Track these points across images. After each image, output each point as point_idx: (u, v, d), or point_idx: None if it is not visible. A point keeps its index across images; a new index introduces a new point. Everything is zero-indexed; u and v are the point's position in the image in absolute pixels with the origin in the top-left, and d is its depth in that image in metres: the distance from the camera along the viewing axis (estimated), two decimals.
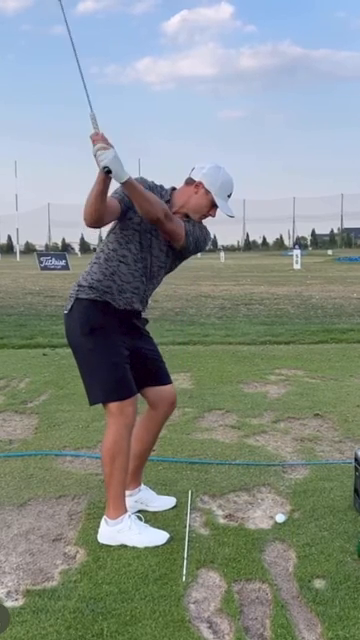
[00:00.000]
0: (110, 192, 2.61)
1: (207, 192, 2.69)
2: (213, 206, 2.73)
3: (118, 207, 2.61)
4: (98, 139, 2.43)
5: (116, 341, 2.68)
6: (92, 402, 2.71)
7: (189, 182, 2.73)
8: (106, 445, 2.68)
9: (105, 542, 2.67)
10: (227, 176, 2.73)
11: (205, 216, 2.77)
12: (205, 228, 2.81)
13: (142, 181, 2.66)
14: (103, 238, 2.85)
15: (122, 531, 2.66)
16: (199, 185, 2.70)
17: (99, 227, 2.62)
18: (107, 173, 2.39)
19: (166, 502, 3.04)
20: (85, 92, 2.50)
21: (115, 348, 2.67)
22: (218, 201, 2.71)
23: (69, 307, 2.70)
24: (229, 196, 2.77)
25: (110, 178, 2.42)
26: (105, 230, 2.80)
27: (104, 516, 2.73)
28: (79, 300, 2.67)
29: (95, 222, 2.54)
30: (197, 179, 2.70)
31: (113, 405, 2.64)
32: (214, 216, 2.78)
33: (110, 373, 2.64)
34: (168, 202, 2.70)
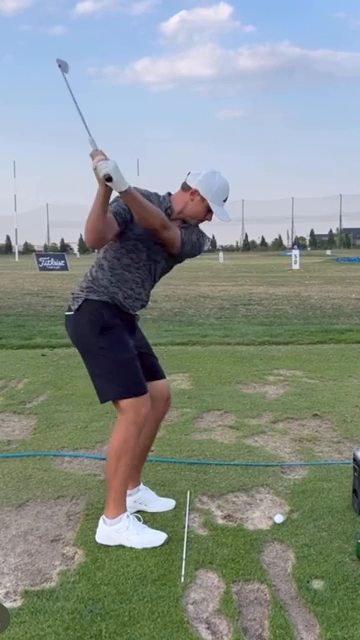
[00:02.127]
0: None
1: (203, 199, 2.70)
2: (209, 211, 2.75)
3: (114, 221, 2.62)
4: (97, 154, 2.48)
5: (126, 339, 2.73)
6: (104, 399, 2.72)
7: (185, 188, 2.73)
8: (114, 443, 2.68)
9: (103, 542, 2.67)
10: (223, 181, 2.73)
11: (202, 220, 2.79)
12: (202, 233, 2.82)
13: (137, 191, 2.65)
14: None
15: (120, 531, 2.66)
16: (195, 192, 2.70)
17: (102, 246, 2.66)
18: (108, 180, 2.41)
19: (165, 504, 3.04)
20: (82, 120, 2.58)
21: (126, 346, 2.71)
22: (214, 207, 2.72)
23: (76, 307, 2.70)
24: (225, 200, 2.78)
25: (111, 190, 2.45)
26: None
27: (102, 516, 2.73)
28: (89, 301, 2.68)
29: (98, 240, 2.57)
30: (193, 186, 2.70)
31: (126, 402, 2.65)
32: (210, 220, 2.80)
33: (124, 370, 2.66)
34: (168, 209, 2.71)
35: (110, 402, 2.76)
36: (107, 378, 2.68)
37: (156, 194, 2.75)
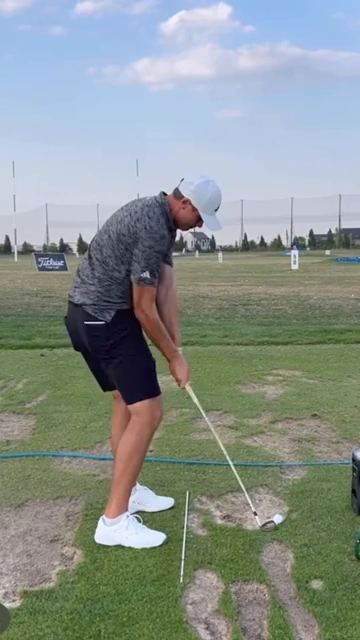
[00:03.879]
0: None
1: (194, 209, 2.70)
2: (200, 219, 2.75)
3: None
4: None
5: (146, 343, 2.82)
6: (133, 401, 2.74)
7: (178, 196, 2.71)
8: (127, 443, 2.70)
9: (102, 542, 2.68)
10: (215, 191, 2.71)
11: (192, 227, 2.82)
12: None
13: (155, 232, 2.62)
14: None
15: (119, 530, 2.67)
16: (186, 202, 2.69)
17: None
18: None
19: (164, 503, 3.05)
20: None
21: (148, 349, 2.80)
22: (204, 217, 2.72)
23: (109, 318, 2.68)
24: (216, 209, 2.78)
25: None
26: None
27: (102, 516, 2.73)
28: (122, 311, 2.71)
29: None
30: (185, 195, 2.69)
31: (143, 404, 2.70)
32: (201, 227, 2.81)
33: (149, 373, 2.76)
34: (173, 231, 2.75)
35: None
36: (135, 381, 2.74)
37: (157, 202, 2.68)
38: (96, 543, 2.68)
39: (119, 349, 2.71)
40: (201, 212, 2.70)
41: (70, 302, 2.79)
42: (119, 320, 2.70)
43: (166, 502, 3.06)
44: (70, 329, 2.84)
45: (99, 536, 2.70)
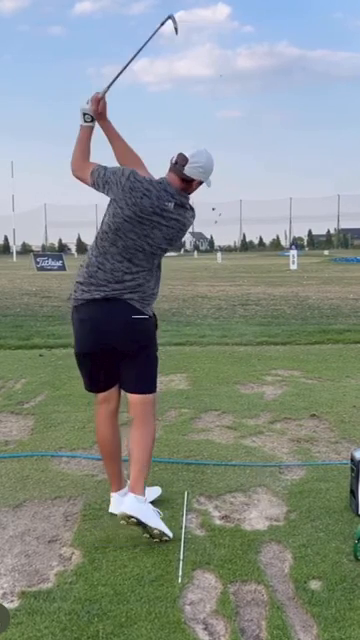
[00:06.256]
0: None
1: (201, 182, 2.83)
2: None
3: None
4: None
5: None
6: (149, 392, 2.88)
7: (188, 180, 2.76)
8: (148, 432, 2.85)
9: (133, 514, 2.63)
10: (212, 160, 2.83)
11: None
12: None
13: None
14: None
15: (150, 510, 2.72)
16: (200, 183, 2.81)
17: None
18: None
19: (155, 492, 3.11)
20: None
21: None
22: (208, 182, 2.86)
23: (151, 313, 2.84)
24: None
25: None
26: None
27: (131, 493, 2.72)
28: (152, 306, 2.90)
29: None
30: (197, 178, 2.77)
31: (156, 395, 2.91)
32: None
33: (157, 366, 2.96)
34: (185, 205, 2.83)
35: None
36: (155, 372, 2.93)
37: (186, 207, 2.79)
38: (95, 544, 2.67)
39: (154, 341, 2.90)
40: (205, 181, 2.84)
41: (95, 300, 2.76)
42: (153, 316, 2.88)
43: (156, 491, 3.13)
44: (98, 327, 2.78)
45: (132, 509, 2.66)
